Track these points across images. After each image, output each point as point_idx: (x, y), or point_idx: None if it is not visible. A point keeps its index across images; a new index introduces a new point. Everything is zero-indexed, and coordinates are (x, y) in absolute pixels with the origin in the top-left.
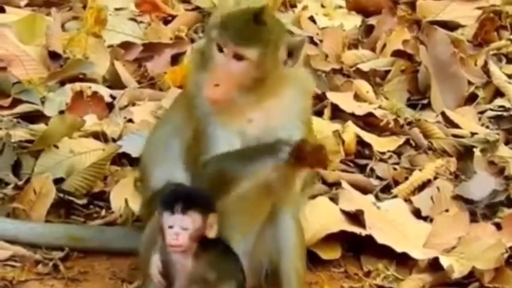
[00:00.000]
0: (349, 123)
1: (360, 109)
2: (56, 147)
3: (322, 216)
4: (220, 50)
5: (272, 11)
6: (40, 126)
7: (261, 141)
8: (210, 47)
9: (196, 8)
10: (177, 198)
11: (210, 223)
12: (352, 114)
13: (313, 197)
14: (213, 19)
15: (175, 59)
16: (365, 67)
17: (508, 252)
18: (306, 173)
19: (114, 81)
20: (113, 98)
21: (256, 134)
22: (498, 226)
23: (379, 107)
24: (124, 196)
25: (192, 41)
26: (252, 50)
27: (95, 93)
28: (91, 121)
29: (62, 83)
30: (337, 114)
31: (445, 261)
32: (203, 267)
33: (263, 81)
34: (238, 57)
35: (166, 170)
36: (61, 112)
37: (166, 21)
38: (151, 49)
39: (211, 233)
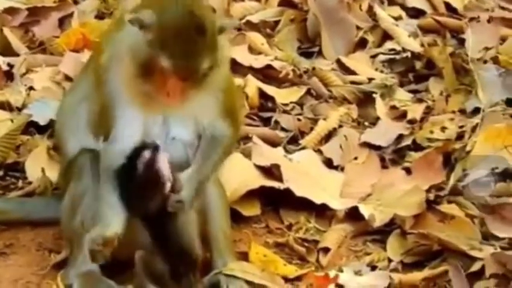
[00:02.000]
0: (250, 76)
1: (258, 62)
2: None
3: (238, 173)
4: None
5: None
6: None
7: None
8: (142, 51)
9: None
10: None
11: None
12: (250, 68)
13: None
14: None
15: (62, 22)
16: (255, 19)
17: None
18: None
19: (5, 49)
20: (10, 66)
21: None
22: (408, 171)
23: (276, 58)
24: (39, 165)
25: (76, 2)
26: (206, 64)
27: None
28: None
29: None
30: (235, 68)
31: (365, 210)
32: None
33: None
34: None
35: (80, 137)
36: None
37: None
38: (36, 13)
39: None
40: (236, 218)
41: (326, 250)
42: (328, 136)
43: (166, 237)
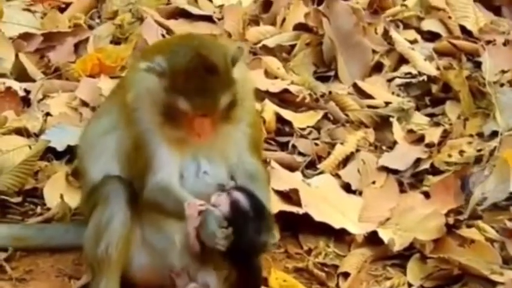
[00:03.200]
0: (266, 101)
1: (274, 86)
2: None
3: None
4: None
5: None
6: None
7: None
8: (161, 96)
9: None
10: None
11: None
12: (267, 92)
13: None
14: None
15: (77, 47)
16: (270, 43)
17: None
18: None
19: (21, 75)
20: (26, 91)
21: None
22: (426, 195)
23: (292, 82)
24: (57, 191)
25: (91, 27)
26: (225, 98)
27: (8, 88)
28: (10, 117)
29: None
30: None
31: (384, 234)
32: None
33: None
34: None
35: (104, 165)
36: None
37: (61, 9)
38: (51, 39)
39: None
40: None
41: (346, 275)
42: (346, 160)
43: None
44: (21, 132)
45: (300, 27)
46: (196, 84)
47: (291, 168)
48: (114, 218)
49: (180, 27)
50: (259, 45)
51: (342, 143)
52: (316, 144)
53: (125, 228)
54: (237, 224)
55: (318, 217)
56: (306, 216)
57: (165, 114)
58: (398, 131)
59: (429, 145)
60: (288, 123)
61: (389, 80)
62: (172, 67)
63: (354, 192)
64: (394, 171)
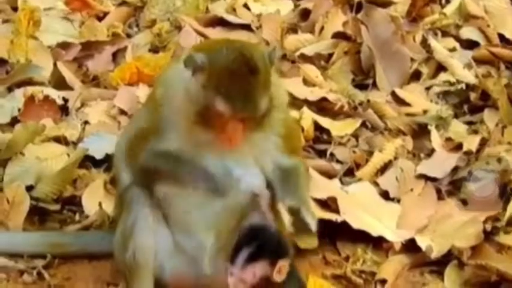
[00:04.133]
0: (305, 109)
1: (313, 94)
2: (22, 154)
3: None
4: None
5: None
6: None
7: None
8: (201, 99)
9: (124, 3)
10: (240, 247)
11: (279, 269)
12: (305, 100)
13: None
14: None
15: (115, 56)
16: (308, 51)
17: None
18: None
19: (59, 83)
20: (64, 100)
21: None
22: (464, 202)
23: (330, 90)
24: (95, 199)
25: (129, 36)
26: (264, 103)
27: (46, 96)
28: (48, 125)
29: (9, 89)
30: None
31: (422, 241)
32: None
33: None
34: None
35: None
36: (13, 118)
37: (99, 18)
38: (89, 48)
39: (279, 278)
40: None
41: (383, 282)
42: (384, 168)
43: None
44: (59, 140)
45: (338, 35)
46: (238, 84)
47: (329, 175)
48: (137, 224)
49: (218, 35)
50: (298, 53)
51: (380, 151)
52: (354, 152)
53: (149, 233)
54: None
55: (355, 224)
56: (344, 224)
57: (196, 115)
58: (436, 139)
59: (467, 153)
60: (326, 131)
61: (428, 88)
62: (214, 63)
63: (392, 199)
64: (432, 179)
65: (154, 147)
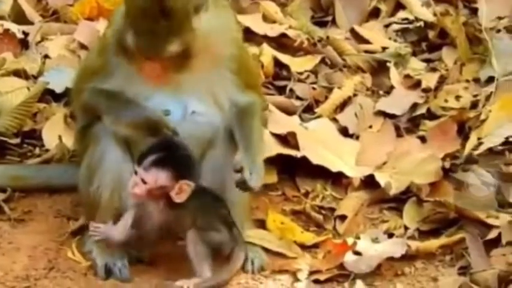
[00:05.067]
0: (265, 45)
1: (272, 30)
2: None
3: None
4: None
5: None
6: None
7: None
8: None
9: None
10: (151, 152)
11: (179, 188)
12: (265, 36)
13: None
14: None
15: None
16: None
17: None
18: None
19: (19, 17)
20: (24, 34)
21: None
22: (423, 139)
23: (290, 27)
24: (56, 133)
25: None
26: (173, 46)
27: (6, 30)
28: (8, 59)
29: None
30: (249, 37)
31: (381, 178)
32: (178, 216)
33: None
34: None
35: None
36: None
37: None
38: None
39: (177, 198)
40: None
41: (343, 217)
42: (343, 105)
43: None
44: (19, 74)
45: None
46: (146, 23)
47: (288, 112)
48: (105, 157)
49: None
50: None
51: (339, 88)
52: (314, 89)
53: (116, 167)
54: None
55: (315, 160)
56: (303, 160)
57: (125, 51)
58: (395, 76)
59: (426, 90)
60: (286, 67)
61: (386, 26)
62: (131, 2)
63: (351, 136)
64: (391, 116)
65: (97, 86)
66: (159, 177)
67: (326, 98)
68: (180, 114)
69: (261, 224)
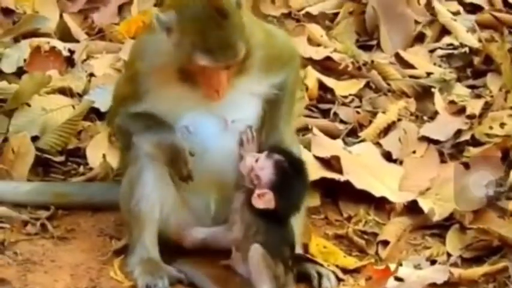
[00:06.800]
0: (310, 68)
1: (317, 53)
2: (28, 105)
3: None
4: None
5: None
6: (3, 84)
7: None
8: (180, 54)
9: None
10: (286, 155)
11: (263, 193)
12: (310, 59)
13: None
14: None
15: (121, 9)
16: (314, 10)
17: None
18: None
19: (65, 35)
20: (70, 52)
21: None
22: (466, 166)
23: (335, 50)
24: (100, 151)
25: None
26: (242, 45)
27: (52, 48)
28: (54, 77)
29: (16, 39)
30: None
31: (424, 204)
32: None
33: None
34: (228, 66)
35: None
36: (19, 69)
37: None
38: (96, 0)
39: (254, 200)
40: None
41: (385, 243)
42: (387, 129)
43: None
44: (65, 92)
45: None
46: (213, 32)
47: (332, 135)
48: (143, 173)
49: None
50: (303, 12)
51: (383, 112)
52: (358, 113)
53: (155, 183)
54: (281, 187)
55: (358, 185)
56: (347, 184)
57: (177, 75)
58: (439, 102)
59: (470, 116)
60: (330, 90)
61: (431, 51)
62: (184, 18)
63: (394, 161)
64: (435, 142)
65: (130, 110)
66: (265, 170)
67: (370, 122)
68: (222, 127)
69: (304, 248)
